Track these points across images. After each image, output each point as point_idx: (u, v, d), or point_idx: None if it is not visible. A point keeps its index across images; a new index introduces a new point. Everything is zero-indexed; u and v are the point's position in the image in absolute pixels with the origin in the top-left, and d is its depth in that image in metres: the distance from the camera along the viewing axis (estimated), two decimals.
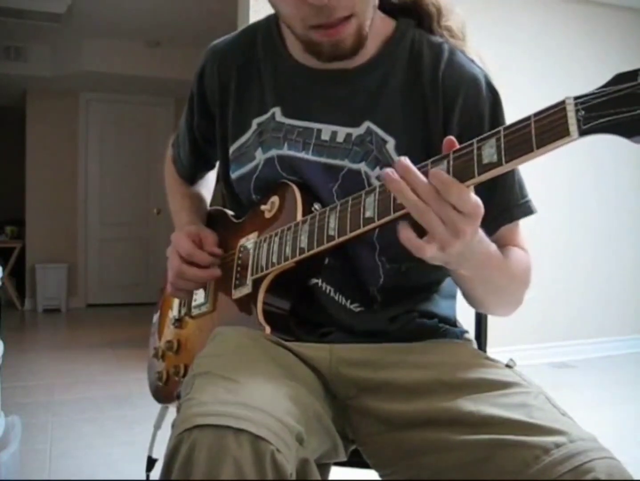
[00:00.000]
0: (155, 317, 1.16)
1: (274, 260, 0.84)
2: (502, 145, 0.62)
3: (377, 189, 0.72)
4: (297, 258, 0.81)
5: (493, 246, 0.75)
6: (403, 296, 0.89)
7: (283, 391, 0.70)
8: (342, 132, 0.86)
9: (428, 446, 0.73)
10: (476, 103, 0.84)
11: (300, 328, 0.87)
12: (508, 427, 0.68)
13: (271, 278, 0.85)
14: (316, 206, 0.85)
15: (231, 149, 0.94)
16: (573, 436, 0.65)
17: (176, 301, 1.08)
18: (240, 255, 0.92)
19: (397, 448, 0.77)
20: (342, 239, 0.75)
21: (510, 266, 0.81)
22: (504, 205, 0.85)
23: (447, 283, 0.94)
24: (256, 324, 0.84)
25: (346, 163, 0.85)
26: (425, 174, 0.65)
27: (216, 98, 0.96)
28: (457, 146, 0.66)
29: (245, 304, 0.88)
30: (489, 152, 0.63)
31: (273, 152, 0.89)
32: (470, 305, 0.88)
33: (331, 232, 0.76)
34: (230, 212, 1.04)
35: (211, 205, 1.14)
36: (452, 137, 0.66)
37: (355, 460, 0.88)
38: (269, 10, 0.96)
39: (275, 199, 0.90)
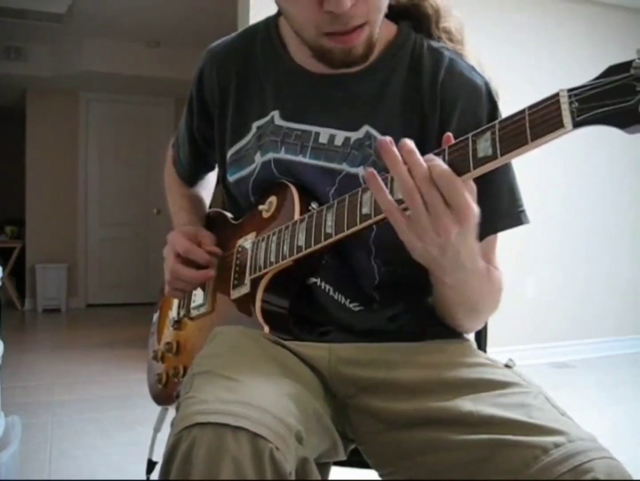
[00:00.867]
0: (155, 317, 1.16)
1: (272, 259, 0.84)
2: (497, 138, 0.61)
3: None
4: (295, 256, 0.81)
5: (482, 264, 0.74)
6: (402, 295, 0.89)
7: (282, 390, 0.70)
8: (340, 135, 0.86)
9: (427, 446, 0.73)
10: (474, 111, 0.84)
11: (299, 327, 0.87)
12: (507, 427, 0.68)
13: (269, 277, 0.85)
14: (313, 205, 0.85)
15: (229, 152, 0.94)
16: (572, 436, 0.65)
17: (175, 302, 1.08)
18: (239, 255, 0.92)
19: (396, 448, 0.77)
20: (339, 236, 0.75)
21: (490, 288, 0.81)
22: (491, 214, 0.82)
23: None
24: (255, 323, 0.84)
25: (344, 167, 0.85)
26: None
27: (215, 100, 0.96)
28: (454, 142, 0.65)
29: (244, 304, 0.88)
30: (484, 145, 0.62)
31: (270, 156, 0.89)
32: (439, 314, 0.86)
33: (328, 230, 0.76)
34: (228, 214, 1.04)
35: (211, 207, 1.14)
36: (449, 134, 0.66)
37: (355, 460, 0.88)
38: (269, 11, 0.96)
39: (273, 199, 0.90)
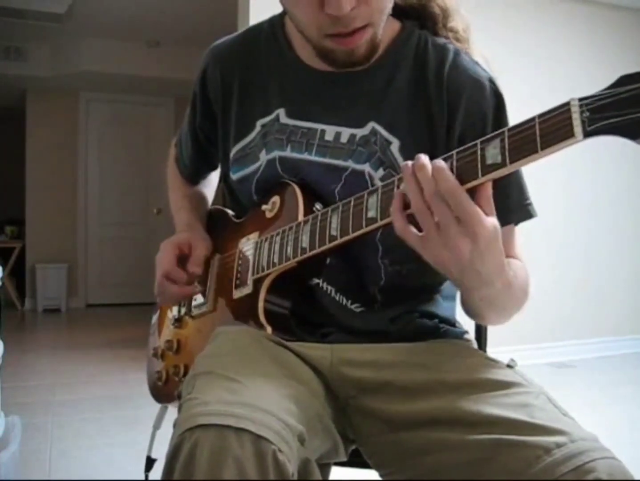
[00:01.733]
0: (155, 317, 1.16)
1: (275, 260, 0.84)
2: (507, 146, 0.61)
3: (380, 189, 0.72)
4: (299, 258, 0.81)
5: (511, 274, 0.72)
6: (404, 296, 0.89)
7: (284, 391, 0.70)
8: (346, 132, 0.86)
9: (429, 447, 0.73)
10: (479, 105, 0.84)
11: (301, 328, 0.87)
12: (509, 427, 0.68)
13: (272, 278, 0.85)
14: (317, 206, 0.85)
15: (233, 150, 0.94)
16: (574, 436, 0.65)
17: None
18: (241, 255, 0.92)
19: (397, 448, 0.77)
20: (344, 239, 0.75)
21: (517, 285, 0.78)
22: (503, 207, 0.84)
23: (448, 284, 0.94)
24: (257, 324, 0.84)
25: (350, 164, 0.85)
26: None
27: (219, 99, 0.96)
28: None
29: (246, 304, 0.88)
30: (492, 153, 0.62)
31: (275, 154, 0.89)
32: (466, 314, 0.85)
33: (333, 233, 0.76)
34: (230, 212, 1.04)
35: (213, 205, 1.14)
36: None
37: (356, 460, 0.88)
38: (269, 11, 0.96)
39: (276, 199, 0.89)
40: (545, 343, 3.80)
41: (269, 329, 0.83)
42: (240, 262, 0.92)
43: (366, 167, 0.84)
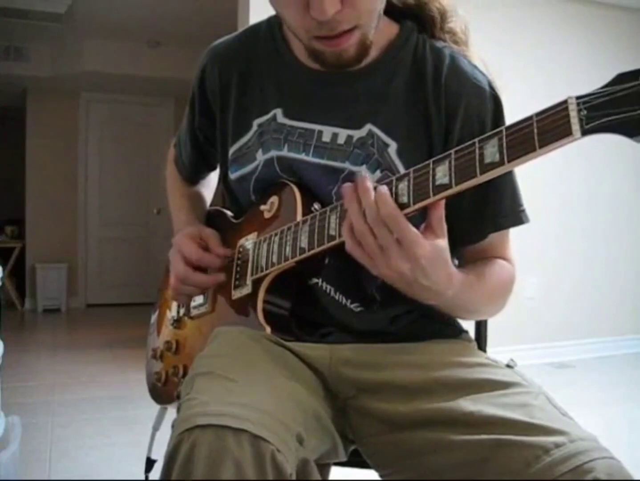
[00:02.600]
0: (154, 317, 1.16)
1: (274, 260, 0.84)
2: (504, 144, 0.62)
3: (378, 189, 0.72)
4: (298, 257, 0.81)
5: (469, 278, 0.78)
6: (403, 296, 0.89)
7: (283, 391, 0.70)
8: (343, 134, 0.85)
9: (428, 447, 0.73)
10: (479, 110, 0.84)
11: (300, 328, 0.87)
12: (508, 427, 0.68)
13: (271, 278, 0.85)
14: (316, 206, 0.85)
15: (231, 150, 0.94)
16: (573, 436, 0.65)
17: (175, 302, 1.08)
18: (240, 255, 0.92)
19: (397, 448, 0.77)
20: (343, 238, 0.75)
21: (484, 288, 0.83)
22: (494, 213, 0.86)
23: None
24: (256, 324, 0.84)
25: (347, 165, 0.85)
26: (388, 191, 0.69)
27: (217, 98, 0.96)
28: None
29: (245, 304, 0.88)
30: (490, 151, 0.63)
31: (272, 154, 0.89)
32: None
33: (332, 232, 0.76)
34: (229, 213, 1.04)
35: (211, 205, 1.14)
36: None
37: (355, 460, 0.88)
38: (269, 10, 0.96)
39: (274, 199, 0.89)
40: (544, 343, 3.80)
41: (268, 329, 0.83)
42: (239, 262, 0.92)
43: (363, 169, 0.84)
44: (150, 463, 1.10)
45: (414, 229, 0.67)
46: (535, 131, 0.59)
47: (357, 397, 0.82)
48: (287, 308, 0.87)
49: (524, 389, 0.75)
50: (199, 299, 0.99)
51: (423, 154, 0.82)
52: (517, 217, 0.87)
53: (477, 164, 0.63)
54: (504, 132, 0.62)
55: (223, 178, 1.00)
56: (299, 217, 0.83)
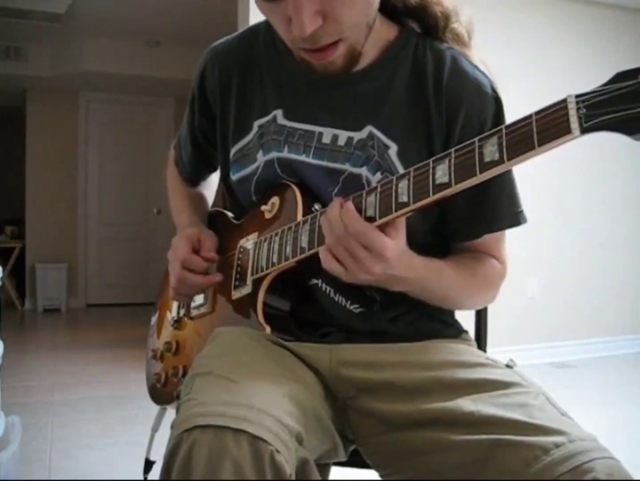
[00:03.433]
0: (154, 318, 1.16)
1: (275, 260, 0.84)
2: (504, 143, 0.62)
3: (379, 189, 0.72)
4: (298, 257, 0.81)
5: (435, 264, 0.81)
6: (402, 296, 0.89)
7: (283, 391, 0.70)
8: (343, 135, 0.85)
9: (428, 447, 0.73)
10: (480, 112, 0.84)
11: (300, 328, 0.87)
12: (508, 427, 0.68)
13: (271, 278, 0.85)
14: (316, 206, 0.85)
15: (232, 151, 0.94)
16: (573, 436, 0.65)
17: (175, 302, 1.08)
18: (240, 255, 0.92)
19: (397, 448, 0.77)
20: None
21: (460, 277, 0.85)
22: (491, 214, 0.86)
23: None
24: (256, 324, 0.84)
25: (347, 167, 0.85)
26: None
27: (217, 99, 0.95)
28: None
29: (245, 304, 0.88)
30: (490, 150, 0.63)
31: (273, 155, 0.89)
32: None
33: None
34: (229, 214, 1.04)
35: (213, 206, 1.14)
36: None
37: (355, 460, 0.88)
38: None
39: (275, 199, 0.89)
40: (544, 343, 3.80)
41: (268, 329, 0.83)
42: (239, 262, 0.92)
43: (363, 171, 0.84)
44: (148, 465, 1.10)
45: (380, 235, 0.71)
46: (535, 129, 0.59)
47: (357, 397, 0.82)
48: (287, 308, 0.87)
49: (523, 389, 0.75)
50: (199, 300, 0.99)
51: (423, 156, 0.82)
52: (513, 218, 0.87)
53: (477, 162, 0.63)
54: (504, 131, 0.62)
55: (224, 179, 1.00)
56: (300, 218, 0.83)
